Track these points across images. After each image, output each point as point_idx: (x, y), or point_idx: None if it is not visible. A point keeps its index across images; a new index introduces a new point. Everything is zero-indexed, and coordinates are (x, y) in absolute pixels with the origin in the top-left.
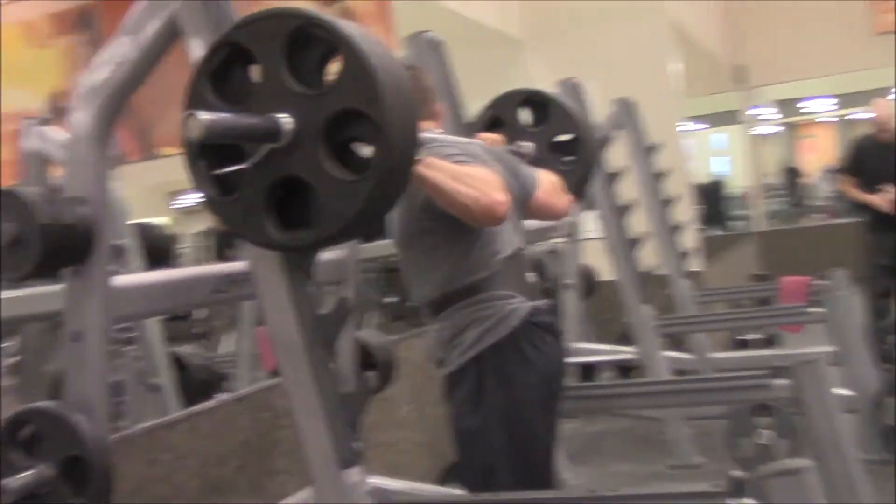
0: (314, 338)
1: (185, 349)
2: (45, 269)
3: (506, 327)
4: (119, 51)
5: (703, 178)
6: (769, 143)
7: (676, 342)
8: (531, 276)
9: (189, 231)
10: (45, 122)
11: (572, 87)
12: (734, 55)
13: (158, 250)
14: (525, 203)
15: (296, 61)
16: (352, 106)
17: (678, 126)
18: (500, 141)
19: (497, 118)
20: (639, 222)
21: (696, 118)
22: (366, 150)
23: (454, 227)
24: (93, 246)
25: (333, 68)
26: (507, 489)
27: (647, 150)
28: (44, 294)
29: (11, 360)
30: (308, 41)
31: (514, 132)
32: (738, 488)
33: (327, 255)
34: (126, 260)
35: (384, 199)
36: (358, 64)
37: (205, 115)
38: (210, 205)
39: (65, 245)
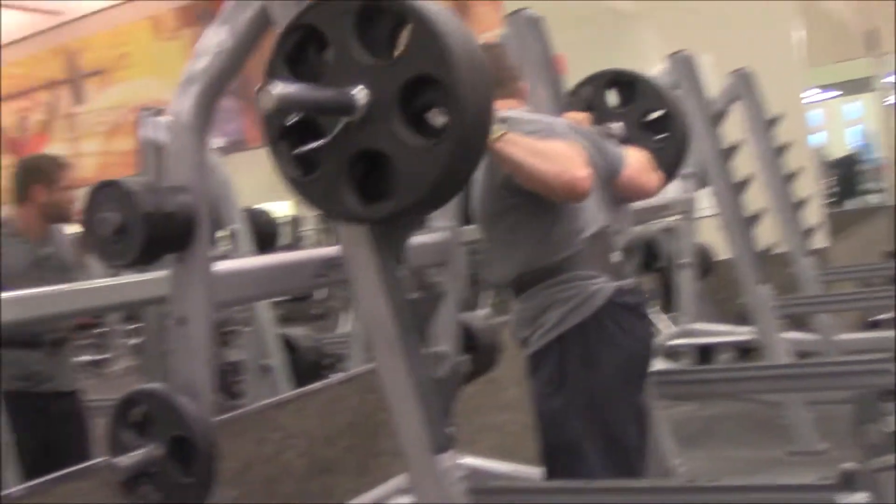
0: (405, 322)
1: (299, 331)
2: (149, 257)
3: (589, 308)
4: (216, 40)
5: (836, 149)
6: None
7: (800, 323)
8: (617, 255)
9: (311, 214)
10: (160, 111)
11: (683, 61)
12: (865, 20)
13: (267, 235)
14: (613, 181)
15: (366, 35)
16: (423, 71)
17: (802, 97)
18: (587, 119)
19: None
20: (758, 198)
21: (828, 87)
22: (440, 119)
23: (536, 204)
24: (193, 233)
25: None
26: (594, 472)
27: (766, 123)
28: (155, 280)
29: (135, 342)
30: (376, 14)
31: (602, 114)
32: (849, 481)
33: (431, 237)
34: (238, 244)
35: (461, 165)
36: (426, 30)
37: (278, 87)
38: (293, 185)
39: (166, 233)
